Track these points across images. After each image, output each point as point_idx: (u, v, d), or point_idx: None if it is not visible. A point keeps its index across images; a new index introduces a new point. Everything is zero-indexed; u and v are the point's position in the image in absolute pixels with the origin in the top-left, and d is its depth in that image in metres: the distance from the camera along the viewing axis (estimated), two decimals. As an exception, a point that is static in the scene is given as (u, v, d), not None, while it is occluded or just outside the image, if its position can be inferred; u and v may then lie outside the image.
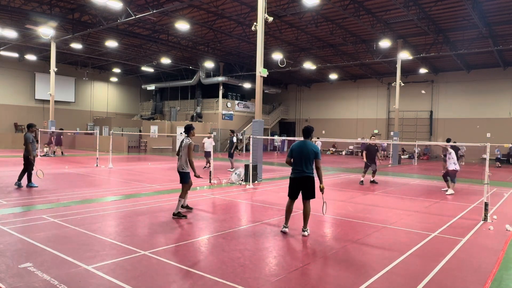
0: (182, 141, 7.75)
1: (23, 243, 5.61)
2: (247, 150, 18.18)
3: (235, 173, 13.41)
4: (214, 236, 6.39)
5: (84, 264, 4.81)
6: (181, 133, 31.75)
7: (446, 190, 12.12)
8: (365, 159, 13.72)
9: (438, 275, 4.82)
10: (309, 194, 6.53)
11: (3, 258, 4.96)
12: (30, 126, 11.26)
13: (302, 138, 6.72)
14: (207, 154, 16.36)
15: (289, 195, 6.69)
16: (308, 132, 6.69)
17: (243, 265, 4.99)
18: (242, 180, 13.16)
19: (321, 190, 6.46)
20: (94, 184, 12.05)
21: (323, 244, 6.16)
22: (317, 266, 5.07)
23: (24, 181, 10.90)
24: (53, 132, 22.98)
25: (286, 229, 6.66)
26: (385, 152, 29.31)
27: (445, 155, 12.34)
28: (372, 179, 14.09)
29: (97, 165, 17.51)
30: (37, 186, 10.76)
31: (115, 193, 10.57)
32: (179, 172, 7.73)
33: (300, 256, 5.50)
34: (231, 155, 17.18)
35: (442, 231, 7.10)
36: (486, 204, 8.03)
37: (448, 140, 14.12)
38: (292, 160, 6.55)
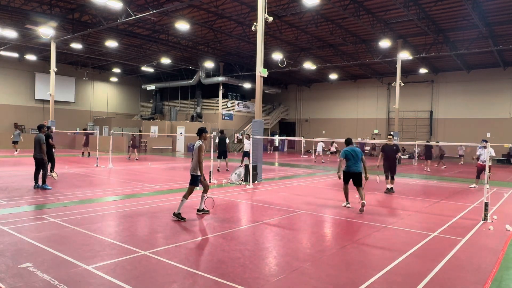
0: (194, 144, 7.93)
1: (23, 243, 5.61)
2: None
3: (235, 173, 13.40)
4: (214, 236, 6.38)
5: (84, 264, 4.81)
6: (181, 133, 31.78)
7: (475, 187, 13.43)
8: (379, 162, 11.74)
9: (438, 275, 4.82)
10: (359, 183, 8.99)
11: (3, 258, 4.95)
12: (42, 127, 11.12)
13: (345, 141, 9.40)
14: (245, 154, 17.04)
15: (345, 182, 9.20)
16: (351, 141, 9.29)
17: (243, 265, 4.99)
18: (242, 180, 13.15)
19: (366, 178, 8.99)
20: (94, 184, 12.05)
21: (323, 244, 6.16)
22: (317, 266, 5.07)
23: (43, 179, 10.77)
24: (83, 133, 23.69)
25: (349, 205, 9.24)
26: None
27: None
28: (387, 185, 11.94)
29: (97, 165, 17.51)
30: (50, 188, 10.56)
31: (115, 193, 10.57)
32: (190, 174, 7.72)
33: (300, 256, 5.49)
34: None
35: (442, 231, 7.10)
36: (486, 204, 8.03)
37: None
38: (345, 160, 9.01)
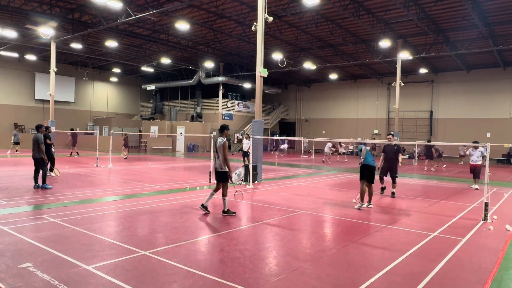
0: (216, 141, 8.11)
1: (23, 243, 5.61)
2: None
3: (235, 173, 13.37)
4: (214, 236, 6.39)
5: (84, 264, 4.81)
6: (181, 133, 31.78)
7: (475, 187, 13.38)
8: (380, 164, 10.87)
9: (438, 275, 4.82)
10: (372, 179, 9.22)
11: (3, 258, 4.96)
12: (39, 127, 11.15)
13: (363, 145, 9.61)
14: (245, 154, 16.92)
15: (363, 177, 9.12)
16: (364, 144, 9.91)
17: (243, 265, 4.99)
18: (242, 180, 13.13)
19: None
20: (94, 184, 12.05)
21: (323, 244, 6.16)
22: (317, 266, 5.07)
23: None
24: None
25: (364, 205, 9.12)
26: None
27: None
28: (392, 190, 11.14)
29: (97, 165, 17.51)
30: (51, 187, 10.66)
31: (115, 193, 10.57)
32: (218, 172, 7.97)
33: (300, 256, 5.49)
34: None
35: (442, 231, 7.10)
36: (486, 204, 8.03)
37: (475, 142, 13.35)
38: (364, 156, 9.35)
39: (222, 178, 7.96)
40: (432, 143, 18.72)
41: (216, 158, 8.01)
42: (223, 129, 8.11)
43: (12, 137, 24.29)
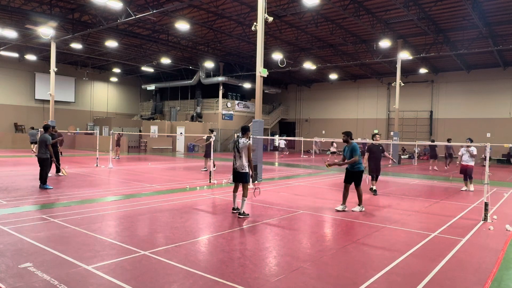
0: (237, 142, 8.05)
1: (23, 243, 5.61)
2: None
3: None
4: (214, 236, 6.39)
5: (84, 264, 4.81)
6: (181, 133, 31.77)
7: (466, 189, 12.83)
8: (365, 163, 11.27)
9: (438, 275, 4.82)
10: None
11: (3, 258, 4.96)
12: (48, 127, 11.06)
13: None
14: None
15: (350, 182, 8.99)
16: (350, 135, 9.22)
17: (243, 265, 4.99)
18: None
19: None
20: (94, 184, 12.05)
21: (323, 244, 6.16)
22: (317, 266, 5.07)
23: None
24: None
25: (346, 208, 8.84)
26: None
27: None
28: (372, 186, 11.63)
29: (97, 165, 17.52)
30: (51, 188, 10.66)
31: (115, 193, 10.57)
32: (239, 172, 7.91)
33: (300, 256, 5.49)
34: (208, 155, 16.53)
35: (442, 231, 7.10)
36: (486, 204, 8.03)
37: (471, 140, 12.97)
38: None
39: (243, 179, 7.89)
40: (440, 143, 18.69)
41: (238, 159, 7.90)
42: (245, 131, 8.12)
43: (30, 136, 24.47)
